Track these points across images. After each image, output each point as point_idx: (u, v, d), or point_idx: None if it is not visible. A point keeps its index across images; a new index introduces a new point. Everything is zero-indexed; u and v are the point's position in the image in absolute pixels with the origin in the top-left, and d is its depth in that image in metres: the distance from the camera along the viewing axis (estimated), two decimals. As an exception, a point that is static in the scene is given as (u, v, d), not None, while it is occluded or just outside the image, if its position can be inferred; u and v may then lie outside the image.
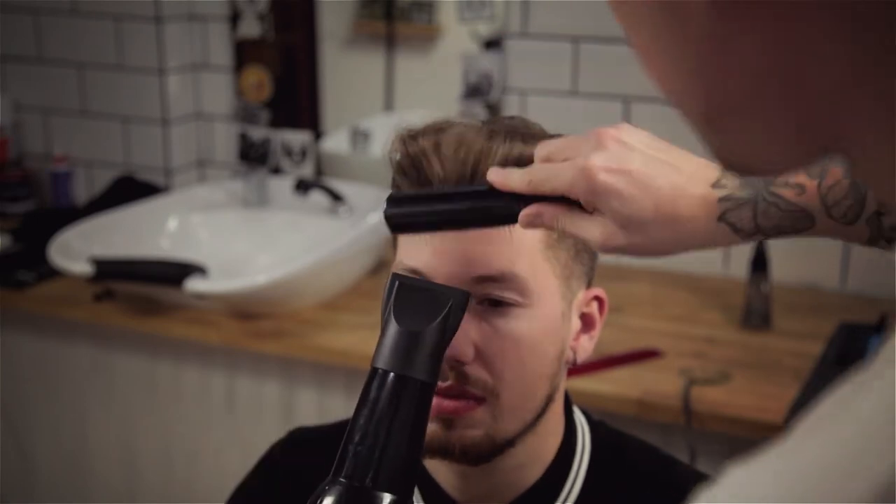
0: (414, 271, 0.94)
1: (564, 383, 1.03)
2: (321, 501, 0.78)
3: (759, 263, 2.15)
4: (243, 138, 2.83)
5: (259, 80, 2.79)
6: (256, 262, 2.52)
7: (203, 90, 2.86)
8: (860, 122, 0.41)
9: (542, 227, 0.87)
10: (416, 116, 1.00)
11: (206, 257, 2.38)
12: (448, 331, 0.84)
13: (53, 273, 2.38)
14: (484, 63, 2.56)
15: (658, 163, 0.83)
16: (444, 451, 0.95)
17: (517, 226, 0.93)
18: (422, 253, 0.94)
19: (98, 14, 2.79)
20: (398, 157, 0.96)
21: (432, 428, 0.92)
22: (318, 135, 2.81)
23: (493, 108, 2.54)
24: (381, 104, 2.90)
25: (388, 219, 0.91)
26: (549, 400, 0.99)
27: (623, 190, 0.82)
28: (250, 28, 2.77)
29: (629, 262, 2.47)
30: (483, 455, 0.96)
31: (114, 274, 2.24)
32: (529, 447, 1.00)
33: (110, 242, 2.42)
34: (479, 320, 0.93)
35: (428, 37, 2.89)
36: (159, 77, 2.77)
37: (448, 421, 0.94)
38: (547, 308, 0.96)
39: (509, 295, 0.94)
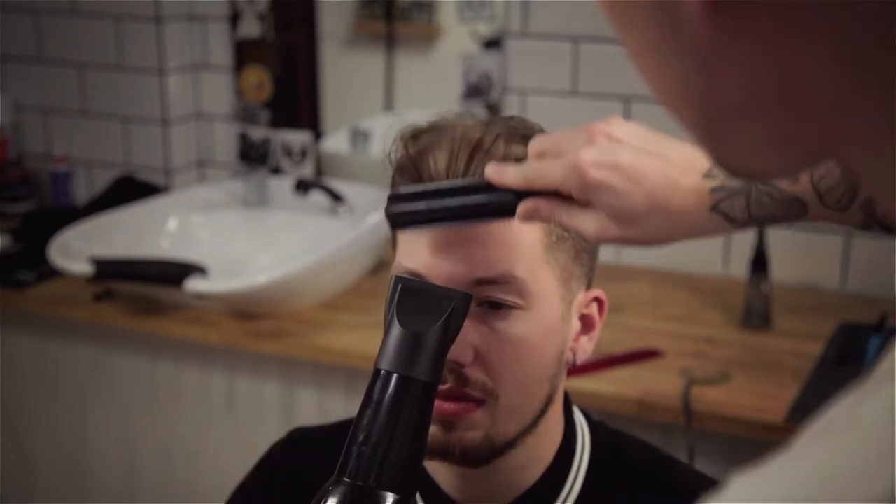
0: (413, 273, 0.94)
1: (564, 384, 1.03)
2: (325, 501, 0.78)
3: (759, 263, 2.15)
4: (243, 138, 2.83)
5: (259, 80, 2.79)
6: (256, 262, 2.52)
7: (203, 90, 2.86)
8: (858, 127, 0.40)
9: (539, 220, 0.88)
10: (417, 116, 0.99)
11: (206, 257, 2.38)
12: (450, 332, 0.84)
13: (53, 273, 2.38)
14: (484, 63, 2.56)
15: (649, 155, 0.83)
16: (443, 453, 0.95)
17: (516, 227, 0.93)
18: (421, 255, 0.94)
19: (98, 14, 2.79)
20: (398, 155, 0.96)
21: (432, 430, 0.92)
22: (318, 135, 2.81)
23: (493, 108, 2.54)
24: (381, 104, 2.90)
25: (389, 216, 0.92)
26: (549, 401, 0.99)
27: (614, 184, 0.82)
28: (250, 28, 2.77)
29: (629, 263, 2.47)
30: (483, 457, 0.96)
31: (114, 274, 2.24)
32: (529, 448, 1.00)
33: (110, 242, 2.42)
34: (479, 323, 0.93)
35: (428, 37, 2.89)
36: (159, 77, 2.77)
37: (448, 423, 0.94)
38: (546, 310, 0.96)
39: (509, 297, 0.94)
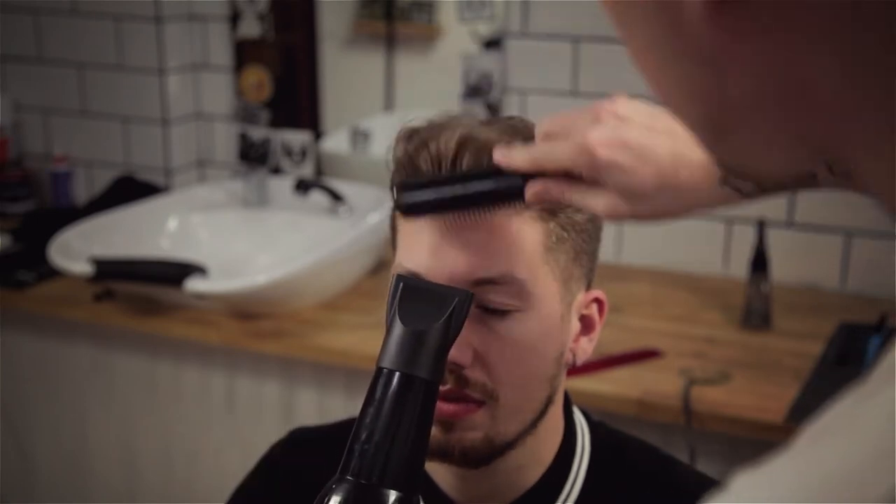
0: (413, 274, 0.93)
1: (564, 384, 1.03)
2: (329, 499, 0.78)
3: (759, 263, 2.15)
4: (243, 138, 2.83)
5: (259, 80, 2.79)
6: (256, 262, 2.52)
7: (203, 90, 2.86)
8: (859, 126, 0.40)
9: (550, 201, 0.89)
10: (417, 116, 0.99)
11: (206, 257, 2.38)
12: (452, 330, 0.84)
13: (53, 273, 2.38)
14: (484, 63, 2.56)
15: (656, 132, 0.84)
16: (443, 454, 0.95)
17: (516, 227, 0.93)
18: (421, 255, 0.94)
19: (98, 14, 2.79)
20: (398, 153, 0.96)
21: (432, 431, 0.92)
22: (318, 135, 2.81)
23: (493, 108, 2.54)
24: (381, 104, 2.90)
25: (399, 205, 0.93)
26: (549, 402, 0.99)
27: (623, 163, 0.83)
28: (250, 28, 2.77)
29: (629, 263, 2.48)
30: (483, 458, 0.96)
31: (114, 274, 2.24)
32: (529, 449, 1.00)
33: (110, 242, 2.42)
34: (479, 324, 0.93)
35: (428, 37, 2.89)
36: (159, 77, 2.77)
37: (447, 424, 0.94)
38: (546, 311, 0.95)
39: (508, 298, 0.93)
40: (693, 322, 2.18)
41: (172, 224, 2.60)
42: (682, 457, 1.60)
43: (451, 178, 0.92)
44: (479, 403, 0.94)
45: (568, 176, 0.86)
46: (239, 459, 1.80)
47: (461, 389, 0.93)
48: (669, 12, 0.41)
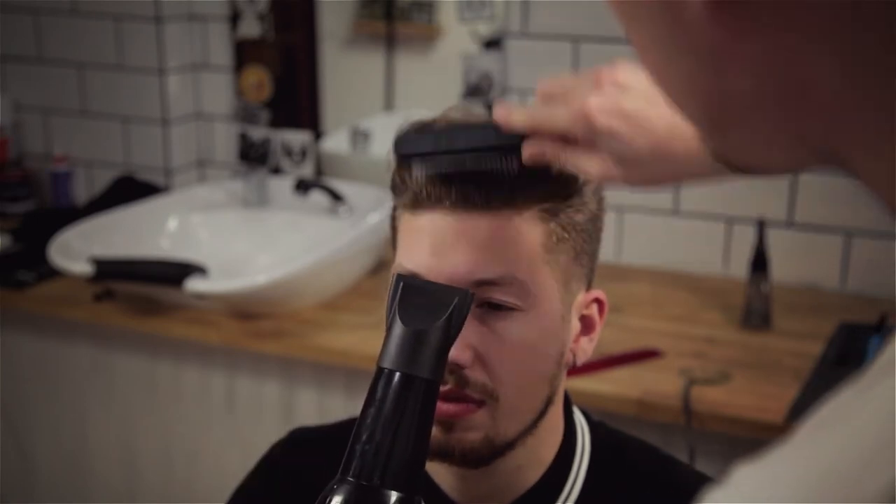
0: (413, 274, 0.93)
1: (564, 384, 1.03)
2: (330, 501, 0.78)
3: (759, 263, 2.15)
4: (243, 138, 2.83)
5: (259, 80, 2.79)
6: (256, 262, 2.52)
7: (203, 90, 2.86)
8: (859, 125, 0.40)
9: (545, 161, 0.90)
10: (417, 116, 1.00)
11: (206, 257, 2.38)
12: (452, 329, 0.84)
13: (53, 273, 2.38)
14: (484, 63, 2.56)
15: (654, 102, 0.84)
16: (443, 454, 0.95)
17: (516, 228, 0.93)
18: (421, 255, 0.94)
19: (98, 14, 2.79)
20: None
21: (432, 431, 0.92)
22: (318, 135, 2.81)
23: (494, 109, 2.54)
24: (381, 104, 2.90)
25: (397, 153, 0.94)
26: (549, 402, 0.99)
27: (619, 130, 0.84)
28: (250, 28, 2.77)
29: (629, 263, 2.48)
30: (483, 458, 0.96)
31: (114, 274, 2.24)
32: (529, 449, 1.00)
33: (110, 242, 2.42)
34: (479, 324, 0.93)
35: (428, 37, 2.89)
36: (159, 77, 2.77)
37: (448, 424, 0.94)
38: (546, 311, 0.95)
39: (509, 298, 0.93)
40: (693, 322, 2.18)
41: (172, 224, 2.60)
42: (682, 457, 1.60)
43: (451, 130, 0.93)
44: (480, 403, 0.94)
45: (564, 139, 0.88)
46: (239, 459, 1.80)
47: (461, 389, 0.93)
48: (672, 10, 0.42)
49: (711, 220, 2.41)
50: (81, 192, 2.93)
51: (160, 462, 2.38)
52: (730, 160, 0.47)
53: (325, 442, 1.12)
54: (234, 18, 2.78)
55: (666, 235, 2.45)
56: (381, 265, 2.41)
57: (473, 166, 0.92)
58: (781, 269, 2.26)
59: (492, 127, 0.91)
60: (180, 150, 2.85)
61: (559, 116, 0.87)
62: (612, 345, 2.00)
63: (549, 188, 0.94)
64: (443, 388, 0.92)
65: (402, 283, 0.86)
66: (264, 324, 2.21)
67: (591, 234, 0.99)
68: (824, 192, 2.29)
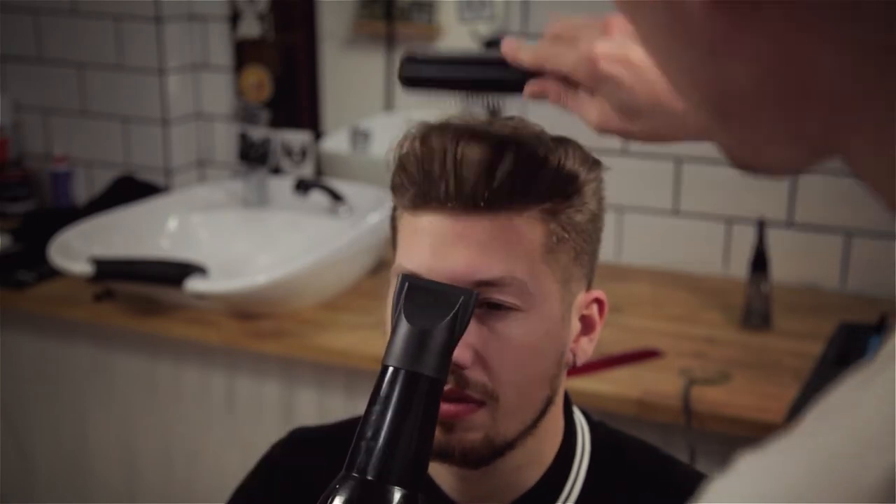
0: (413, 275, 0.93)
1: (564, 384, 1.03)
2: (334, 497, 0.78)
3: (759, 263, 2.15)
4: (243, 138, 2.83)
5: (259, 80, 2.79)
6: (256, 262, 2.52)
7: (203, 90, 2.86)
8: (860, 122, 0.41)
9: (545, 100, 0.91)
10: (417, 116, 1.00)
11: (206, 257, 2.38)
12: (458, 329, 0.84)
13: (53, 273, 2.38)
14: (484, 63, 2.56)
15: None
16: (444, 455, 0.95)
17: (516, 228, 0.93)
18: (422, 256, 0.94)
19: (98, 14, 2.79)
20: (402, 151, 0.96)
21: (433, 431, 0.92)
22: (318, 135, 2.81)
23: (494, 109, 2.54)
24: (381, 104, 2.90)
25: (401, 77, 0.95)
26: (549, 402, 0.99)
27: (622, 79, 0.85)
28: (250, 28, 2.77)
29: (629, 263, 2.48)
30: (483, 458, 0.96)
31: (114, 274, 2.24)
32: (529, 449, 1.00)
33: (110, 242, 2.42)
34: (479, 324, 0.93)
35: (428, 37, 2.89)
36: (159, 77, 2.77)
37: (448, 424, 0.94)
38: (546, 311, 0.95)
39: (509, 299, 0.93)
40: (693, 322, 2.18)
41: (172, 224, 2.60)
42: (682, 457, 1.60)
43: (457, 60, 0.94)
44: (480, 404, 0.94)
45: (567, 81, 0.89)
46: (239, 459, 1.80)
47: (462, 390, 0.93)
48: (673, 4, 0.42)
49: (711, 220, 2.41)
50: (81, 192, 2.93)
51: (160, 462, 2.38)
52: (734, 156, 0.47)
53: (325, 442, 1.12)
54: (234, 18, 2.78)
55: (666, 235, 2.45)
56: (381, 265, 2.41)
57: (476, 95, 0.93)
58: (781, 269, 2.26)
59: (497, 61, 0.92)
60: (180, 150, 2.85)
61: (565, 57, 0.88)
62: (612, 345, 2.00)
63: (550, 188, 0.94)
64: (443, 389, 0.92)
65: (407, 283, 0.87)
66: (264, 324, 2.21)
67: (592, 234, 0.99)
68: (824, 192, 2.29)
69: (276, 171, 2.79)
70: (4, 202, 2.90)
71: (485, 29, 2.61)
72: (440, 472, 1.02)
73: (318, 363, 2.16)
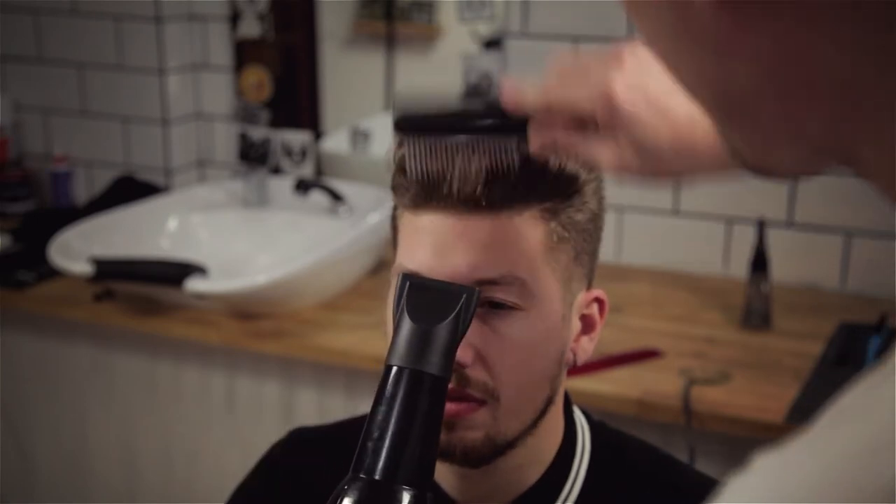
0: (414, 274, 0.93)
1: (564, 384, 1.03)
2: (343, 499, 0.78)
3: (759, 263, 2.15)
4: (243, 138, 2.83)
5: (259, 80, 2.79)
6: (256, 262, 2.52)
7: (203, 90, 2.86)
8: (864, 122, 0.41)
9: (556, 152, 0.86)
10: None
11: (206, 257, 2.38)
12: (461, 327, 0.84)
13: (53, 273, 2.38)
14: (484, 63, 2.56)
15: (675, 87, 0.81)
16: (444, 454, 0.95)
17: (517, 228, 0.93)
18: (422, 256, 0.94)
19: (98, 14, 2.79)
20: (403, 151, 0.96)
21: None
22: (318, 135, 2.81)
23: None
24: (381, 104, 2.90)
25: (396, 122, 0.91)
26: (549, 401, 0.99)
27: (643, 117, 0.79)
28: (250, 28, 2.77)
29: (629, 263, 2.48)
30: (484, 457, 0.96)
31: (114, 274, 2.24)
32: (529, 448, 1.00)
33: (110, 242, 2.42)
34: (480, 323, 0.93)
35: (428, 37, 2.89)
36: (159, 77, 2.77)
37: (449, 423, 0.94)
38: (547, 311, 0.95)
39: (510, 298, 0.93)
40: (693, 322, 2.18)
41: (172, 224, 2.60)
42: (682, 457, 1.60)
43: (453, 114, 0.90)
44: (480, 403, 0.94)
45: (576, 122, 0.82)
46: (239, 459, 1.80)
47: (462, 389, 0.93)
48: (679, 3, 0.42)
49: (711, 220, 2.41)
50: (81, 192, 2.93)
51: (160, 462, 2.38)
52: (740, 157, 0.47)
53: (325, 442, 1.12)
54: (234, 18, 2.78)
55: (666, 235, 2.45)
56: (381, 265, 2.41)
57: (474, 152, 0.89)
58: (781, 269, 2.26)
59: (498, 109, 0.86)
60: (180, 150, 2.85)
61: (576, 94, 0.81)
62: (612, 345, 2.00)
63: (550, 187, 0.94)
64: (444, 388, 0.92)
65: (408, 282, 0.86)
66: (264, 324, 2.21)
67: (592, 233, 0.99)
68: (824, 192, 2.29)
69: (276, 171, 2.79)
70: (4, 202, 2.90)
71: (485, 29, 2.61)
72: (441, 471, 1.02)
73: (318, 363, 2.16)
